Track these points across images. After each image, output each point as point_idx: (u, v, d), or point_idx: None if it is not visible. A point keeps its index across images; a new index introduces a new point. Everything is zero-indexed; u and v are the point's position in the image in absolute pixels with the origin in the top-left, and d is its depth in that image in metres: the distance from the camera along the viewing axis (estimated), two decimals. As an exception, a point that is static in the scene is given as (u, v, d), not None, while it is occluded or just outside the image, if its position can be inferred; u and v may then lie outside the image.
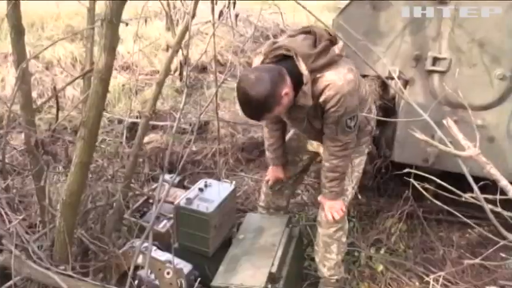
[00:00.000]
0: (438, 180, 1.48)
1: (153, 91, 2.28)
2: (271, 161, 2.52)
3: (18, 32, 1.89)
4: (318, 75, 1.91)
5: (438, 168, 2.54)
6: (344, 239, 2.39)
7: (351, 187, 2.34)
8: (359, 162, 2.34)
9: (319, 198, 2.35)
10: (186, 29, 2.11)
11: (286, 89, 1.87)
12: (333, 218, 2.25)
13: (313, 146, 2.47)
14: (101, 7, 1.81)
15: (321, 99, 1.95)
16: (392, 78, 2.46)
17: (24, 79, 1.96)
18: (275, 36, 7.14)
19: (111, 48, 1.62)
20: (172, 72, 2.80)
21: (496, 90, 2.34)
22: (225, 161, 3.92)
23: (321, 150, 2.37)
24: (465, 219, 1.69)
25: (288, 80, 1.88)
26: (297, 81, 1.90)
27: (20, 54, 1.95)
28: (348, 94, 1.93)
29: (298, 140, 2.53)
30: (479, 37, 2.26)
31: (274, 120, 2.32)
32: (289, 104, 1.93)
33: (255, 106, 1.85)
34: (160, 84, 2.19)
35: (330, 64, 1.92)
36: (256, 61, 2.07)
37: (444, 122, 1.37)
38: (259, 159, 4.06)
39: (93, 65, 2.11)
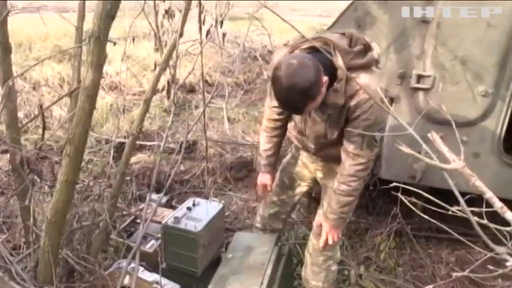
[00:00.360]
0: (425, 194, 1.49)
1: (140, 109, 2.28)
2: (261, 167, 2.38)
3: (5, 49, 1.89)
4: (353, 75, 1.75)
5: (425, 184, 2.56)
6: (334, 268, 2.34)
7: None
8: None
9: (319, 221, 2.21)
10: (174, 47, 2.12)
11: (325, 78, 1.69)
12: (325, 243, 2.16)
13: (310, 169, 2.35)
14: (89, 25, 1.82)
15: (352, 103, 1.79)
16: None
17: (10, 97, 1.94)
18: (262, 57, 7.23)
19: (98, 65, 1.62)
20: (160, 91, 2.80)
21: (480, 107, 2.38)
22: (213, 180, 3.91)
23: (318, 175, 2.31)
24: (453, 233, 1.70)
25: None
26: (329, 77, 1.73)
27: (6, 72, 1.94)
28: (380, 101, 1.73)
29: (295, 165, 2.40)
30: (461, 55, 2.31)
31: (275, 124, 2.23)
32: (322, 98, 1.75)
33: (300, 92, 1.63)
34: (147, 102, 2.19)
35: (366, 67, 1.81)
36: (279, 54, 1.92)
37: (429, 135, 1.39)
38: (248, 179, 4.05)
39: (80, 83, 2.10)
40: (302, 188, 2.44)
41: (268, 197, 2.52)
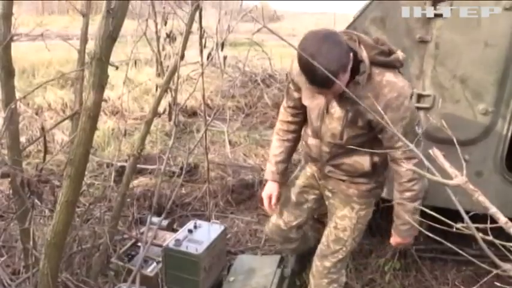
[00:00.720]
0: (429, 211, 1.47)
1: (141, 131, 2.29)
2: (270, 175, 2.22)
3: (7, 72, 1.91)
4: (377, 71, 1.70)
5: (428, 204, 2.54)
6: None
7: (351, 238, 2.14)
8: (365, 214, 2.13)
9: (392, 240, 2.11)
10: (175, 68, 2.15)
11: (351, 54, 1.61)
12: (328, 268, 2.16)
13: (319, 183, 2.22)
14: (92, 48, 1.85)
15: (382, 104, 1.66)
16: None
17: (12, 120, 1.96)
18: (263, 81, 7.31)
19: (99, 86, 1.64)
20: (161, 113, 2.82)
21: (480, 125, 2.38)
22: (215, 203, 3.88)
23: (326, 193, 2.20)
24: (459, 251, 1.67)
25: None
26: (351, 70, 1.64)
27: (8, 95, 1.96)
28: (410, 97, 1.73)
29: (304, 176, 2.27)
30: (460, 74, 2.32)
31: (289, 127, 2.14)
32: (346, 81, 1.65)
33: (330, 62, 1.52)
34: (148, 123, 2.20)
35: (391, 67, 1.74)
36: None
37: (430, 151, 1.38)
38: (250, 201, 4.03)
39: (81, 106, 2.12)
40: (310, 203, 2.28)
41: (276, 221, 2.37)
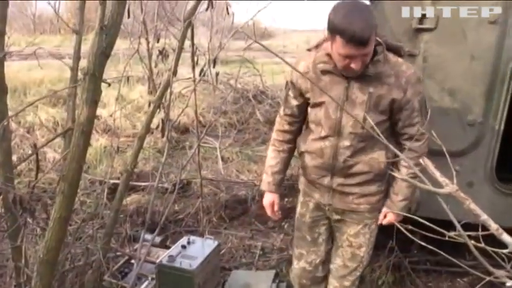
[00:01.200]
0: (421, 220, 1.49)
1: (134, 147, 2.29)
2: (266, 186, 2.18)
3: (1, 89, 1.92)
4: (390, 55, 1.81)
5: (421, 215, 2.55)
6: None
7: (367, 253, 2.15)
8: (375, 227, 2.12)
9: (386, 211, 2.07)
10: (168, 84, 2.17)
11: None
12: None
13: (324, 210, 2.16)
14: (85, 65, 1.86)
15: (403, 80, 1.79)
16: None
17: (4, 136, 1.95)
18: (255, 97, 7.36)
19: (93, 101, 1.65)
20: (154, 129, 2.83)
21: (470, 136, 2.42)
22: (208, 219, 3.87)
23: (333, 217, 2.13)
24: (453, 260, 1.68)
25: None
26: None
27: (1, 112, 1.96)
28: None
29: (309, 211, 2.19)
30: (449, 86, 2.37)
31: (285, 137, 2.13)
32: (371, 55, 1.73)
33: (365, 20, 1.62)
34: (141, 139, 2.20)
35: (399, 54, 1.87)
36: (304, 59, 1.95)
37: (421, 161, 1.40)
38: (243, 217, 4.02)
39: (74, 123, 2.12)
40: (323, 235, 2.23)
41: (299, 265, 2.30)
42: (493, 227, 1.27)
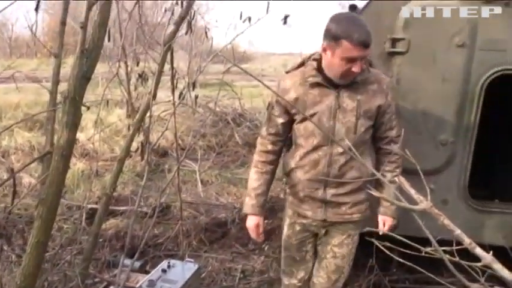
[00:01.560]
0: (398, 237, 1.53)
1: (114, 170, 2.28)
2: (250, 208, 2.18)
3: (-23, 114, 1.90)
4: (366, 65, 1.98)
5: (399, 233, 2.59)
6: None
7: (347, 265, 2.22)
8: (357, 239, 2.20)
9: (384, 219, 2.17)
10: (148, 107, 2.18)
11: None
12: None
13: (311, 229, 2.21)
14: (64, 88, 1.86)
15: (385, 86, 1.99)
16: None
17: (-20, 161, 1.93)
18: (234, 120, 7.40)
19: (73, 124, 1.65)
20: (133, 151, 2.83)
21: (443, 155, 2.50)
22: (188, 242, 3.83)
23: (320, 232, 2.19)
24: (431, 276, 1.73)
25: None
26: None
27: (-23, 136, 1.94)
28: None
29: (297, 232, 2.23)
30: (422, 107, 2.45)
31: (268, 158, 2.15)
32: (363, 66, 1.91)
33: (365, 23, 1.86)
34: (121, 162, 2.20)
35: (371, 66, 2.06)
36: (285, 81, 2.05)
37: (396, 179, 1.45)
38: (223, 240, 4.00)
39: (53, 146, 2.11)
40: (310, 252, 2.28)
41: (289, 281, 2.35)
42: (466, 241, 1.32)
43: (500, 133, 3.63)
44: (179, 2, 2.63)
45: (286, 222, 2.27)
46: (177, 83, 2.84)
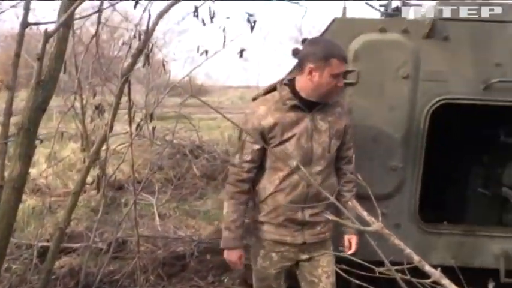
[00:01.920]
0: (354, 258, 1.58)
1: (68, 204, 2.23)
2: (232, 242, 2.17)
3: None
4: None
5: (355, 258, 2.65)
6: None
7: (334, 281, 2.25)
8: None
9: (350, 237, 2.29)
10: (104, 139, 2.17)
11: None
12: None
13: (290, 256, 2.23)
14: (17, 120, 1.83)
15: (346, 109, 2.20)
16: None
17: None
18: (191, 152, 7.39)
19: (26, 156, 1.63)
20: (89, 184, 2.77)
21: (393, 180, 2.61)
22: (145, 278, 3.73)
23: (300, 257, 2.22)
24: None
25: None
26: None
27: None
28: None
29: (275, 263, 2.22)
30: (372, 134, 2.57)
31: (243, 187, 2.15)
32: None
33: None
34: (76, 195, 2.16)
35: None
36: (254, 110, 2.12)
37: (349, 203, 1.52)
38: (182, 273, 3.92)
39: (3, 179, 2.04)
40: (283, 286, 2.31)
41: None
42: (416, 259, 1.39)
43: (449, 158, 3.85)
44: (137, 35, 2.67)
45: (260, 253, 2.23)
46: (134, 116, 2.83)
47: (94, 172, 2.72)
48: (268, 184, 2.14)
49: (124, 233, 4.42)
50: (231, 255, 2.19)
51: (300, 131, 2.07)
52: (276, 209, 2.15)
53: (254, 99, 2.19)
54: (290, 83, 2.10)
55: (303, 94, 2.06)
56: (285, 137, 2.07)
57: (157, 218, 5.04)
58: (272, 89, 2.15)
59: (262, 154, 2.14)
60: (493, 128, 3.32)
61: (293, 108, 2.07)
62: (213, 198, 6.12)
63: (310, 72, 2.01)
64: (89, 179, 2.95)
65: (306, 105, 2.07)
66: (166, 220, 5.13)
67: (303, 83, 2.05)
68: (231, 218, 2.16)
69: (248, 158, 2.12)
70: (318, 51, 1.99)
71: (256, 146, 2.11)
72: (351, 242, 2.29)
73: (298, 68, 2.09)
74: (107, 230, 4.61)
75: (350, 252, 2.26)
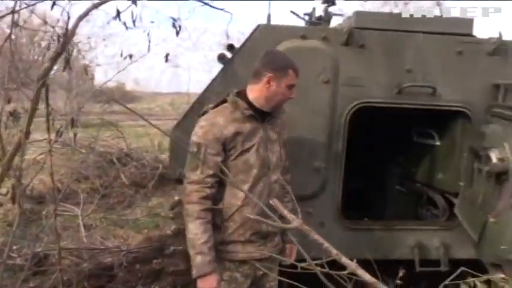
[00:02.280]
0: (277, 256, 1.63)
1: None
2: (208, 267, 2.00)
3: None
4: None
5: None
6: None
7: None
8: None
9: (290, 246, 2.34)
10: (19, 145, 2.05)
11: None
12: None
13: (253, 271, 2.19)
14: None
15: (284, 120, 2.29)
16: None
17: None
18: (119, 160, 7.14)
19: None
20: (3, 195, 2.60)
21: (317, 181, 2.73)
22: (69, 292, 3.55)
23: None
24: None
25: None
26: None
27: None
28: None
29: (242, 282, 2.16)
30: (296, 137, 2.65)
31: (207, 204, 2.03)
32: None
33: None
34: (-12, 206, 2.01)
35: None
36: (204, 122, 2.08)
37: (271, 202, 1.57)
38: (110, 284, 3.78)
39: None
40: None
41: None
42: (333, 252, 1.47)
43: (370, 159, 4.08)
44: (55, 38, 2.56)
45: (224, 276, 2.12)
46: (53, 122, 2.70)
47: (9, 183, 2.55)
48: (233, 199, 2.07)
49: (46, 247, 4.18)
50: (210, 282, 2.01)
51: (258, 140, 2.10)
52: (243, 225, 2.08)
53: (203, 113, 2.12)
54: (239, 95, 2.11)
55: (256, 104, 2.09)
56: (246, 146, 2.07)
57: (82, 230, 4.80)
58: (221, 101, 2.13)
59: (224, 166, 2.02)
60: (406, 130, 3.57)
61: (249, 118, 2.08)
62: (143, 206, 5.97)
63: (268, 81, 2.05)
64: (4, 190, 2.76)
65: (259, 115, 2.11)
66: (92, 231, 4.91)
67: (257, 93, 2.08)
68: (202, 240, 1.99)
69: (211, 172, 2.00)
70: (278, 61, 2.08)
71: (219, 158, 2.03)
72: (292, 250, 2.33)
73: (255, 77, 2.09)
74: (26, 244, 4.32)
75: (291, 260, 2.10)
